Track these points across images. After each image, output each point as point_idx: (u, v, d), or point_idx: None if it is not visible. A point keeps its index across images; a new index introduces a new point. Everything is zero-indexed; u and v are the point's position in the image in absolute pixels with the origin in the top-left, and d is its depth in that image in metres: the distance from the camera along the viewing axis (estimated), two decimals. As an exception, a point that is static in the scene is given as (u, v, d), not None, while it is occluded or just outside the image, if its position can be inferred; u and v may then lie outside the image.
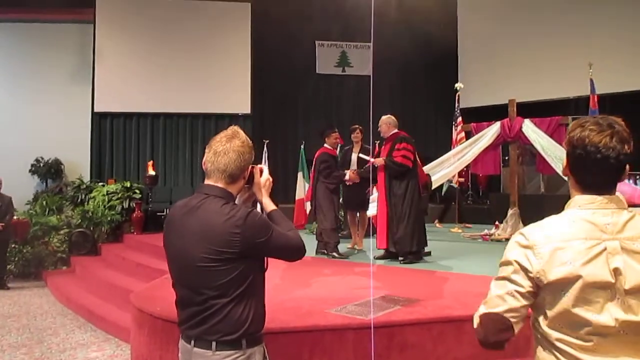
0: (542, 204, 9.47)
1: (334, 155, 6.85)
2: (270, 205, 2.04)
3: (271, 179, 2.06)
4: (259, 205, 2.13)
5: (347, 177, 6.63)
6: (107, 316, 6.13)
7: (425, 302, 3.93)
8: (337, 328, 3.39)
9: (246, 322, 1.83)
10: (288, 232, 1.94)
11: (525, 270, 1.44)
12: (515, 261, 1.46)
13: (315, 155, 6.84)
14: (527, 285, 1.43)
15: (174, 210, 1.98)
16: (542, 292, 1.43)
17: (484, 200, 12.20)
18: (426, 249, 6.59)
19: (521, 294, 1.44)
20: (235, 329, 1.82)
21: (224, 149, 1.88)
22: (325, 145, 6.80)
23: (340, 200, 7.22)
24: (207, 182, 1.93)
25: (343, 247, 6.90)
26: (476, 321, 1.50)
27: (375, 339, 3.28)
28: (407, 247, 6.15)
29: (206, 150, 1.92)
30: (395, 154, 6.04)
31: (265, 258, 1.94)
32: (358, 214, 7.38)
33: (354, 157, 7.06)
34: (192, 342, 1.86)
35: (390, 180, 6.06)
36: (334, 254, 6.48)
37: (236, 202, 1.97)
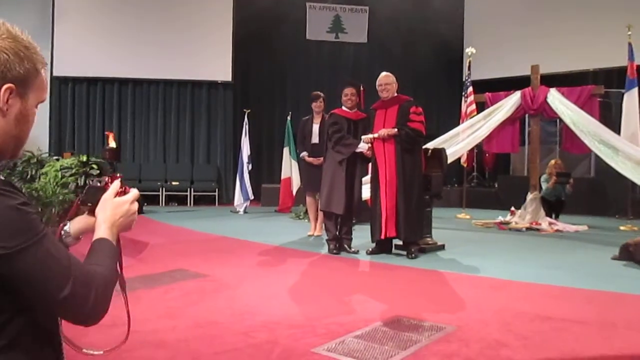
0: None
1: (347, 117, 5.21)
2: (105, 233, 1.07)
3: (137, 206, 1.14)
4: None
5: (362, 148, 5.01)
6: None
7: (464, 332, 2.62)
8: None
9: None
10: (89, 264, 0.97)
11: None
12: None
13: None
14: None
15: None
16: None
17: (490, 183, 10.99)
18: (439, 242, 5.37)
19: None
20: None
21: None
22: (343, 107, 5.31)
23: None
24: None
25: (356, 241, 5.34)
26: None
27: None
28: (417, 237, 4.95)
29: None
30: (414, 117, 4.73)
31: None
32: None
33: (315, 128, 6.17)
34: None
35: (403, 154, 4.73)
36: (330, 246, 5.15)
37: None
